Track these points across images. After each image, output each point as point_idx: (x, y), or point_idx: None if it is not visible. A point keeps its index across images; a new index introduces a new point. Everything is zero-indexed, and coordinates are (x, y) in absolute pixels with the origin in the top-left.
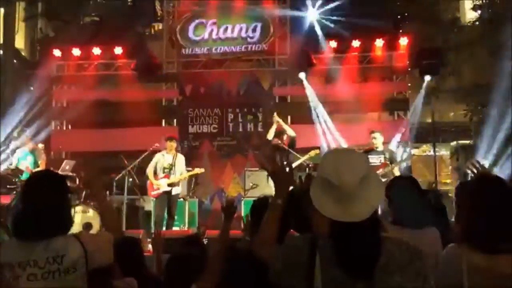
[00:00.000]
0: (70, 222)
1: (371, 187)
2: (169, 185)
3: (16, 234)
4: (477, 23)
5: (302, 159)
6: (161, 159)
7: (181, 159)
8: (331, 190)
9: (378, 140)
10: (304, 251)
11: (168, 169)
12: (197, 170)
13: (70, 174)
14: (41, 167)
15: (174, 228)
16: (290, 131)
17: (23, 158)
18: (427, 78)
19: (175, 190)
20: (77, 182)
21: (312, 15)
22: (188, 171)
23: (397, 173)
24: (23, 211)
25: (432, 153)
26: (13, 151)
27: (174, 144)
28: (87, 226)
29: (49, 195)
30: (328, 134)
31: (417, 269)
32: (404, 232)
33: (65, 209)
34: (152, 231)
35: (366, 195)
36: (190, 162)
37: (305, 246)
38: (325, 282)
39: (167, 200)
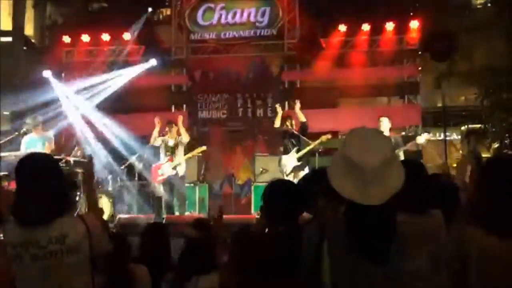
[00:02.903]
0: (69, 203)
1: (393, 169)
2: (174, 168)
3: (16, 219)
4: (489, 5)
5: (313, 144)
6: (162, 144)
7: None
8: (353, 170)
9: (383, 125)
10: (314, 238)
11: (171, 152)
12: (199, 149)
13: (82, 160)
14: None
15: (185, 213)
16: (301, 117)
17: (33, 145)
18: None
19: (179, 172)
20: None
21: None
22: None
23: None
24: (18, 196)
25: (442, 137)
26: (22, 137)
27: (173, 128)
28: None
29: (41, 178)
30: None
31: (430, 253)
32: (409, 217)
33: (61, 190)
34: (163, 216)
35: (388, 177)
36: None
37: (315, 233)
38: (336, 268)
39: (174, 183)
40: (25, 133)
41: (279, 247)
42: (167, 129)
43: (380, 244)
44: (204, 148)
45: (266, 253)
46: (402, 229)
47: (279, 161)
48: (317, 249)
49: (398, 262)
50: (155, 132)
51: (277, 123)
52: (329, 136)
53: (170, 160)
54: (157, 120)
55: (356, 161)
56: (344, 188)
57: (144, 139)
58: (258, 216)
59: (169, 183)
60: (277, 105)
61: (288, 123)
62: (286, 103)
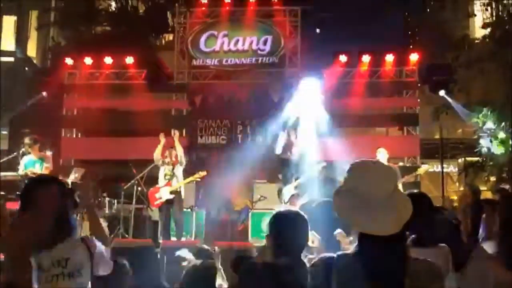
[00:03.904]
0: (71, 227)
1: (401, 199)
2: (172, 192)
3: None
4: (487, 40)
5: (308, 173)
6: (162, 167)
7: (181, 167)
8: (362, 202)
9: (380, 156)
10: (321, 273)
11: (170, 175)
12: (199, 174)
13: (79, 182)
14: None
15: (182, 239)
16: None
17: (31, 165)
18: (442, 93)
19: (178, 196)
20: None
21: (322, 30)
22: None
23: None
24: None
25: (439, 169)
26: (21, 157)
27: (173, 152)
28: None
29: (46, 202)
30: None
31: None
32: (417, 251)
33: (64, 214)
34: (160, 241)
35: (397, 206)
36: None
37: (321, 268)
38: None
39: (171, 208)
40: (24, 154)
41: (284, 279)
42: (166, 153)
43: (390, 278)
44: (204, 173)
45: (271, 285)
46: (414, 264)
47: (279, 191)
48: (325, 285)
49: None
50: (159, 147)
51: (279, 150)
52: (324, 164)
53: (169, 184)
54: (161, 136)
55: (364, 192)
56: (355, 221)
57: (143, 162)
58: (257, 245)
59: (166, 208)
60: (281, 132)
61: (288, 152)
62: (286, 131)
